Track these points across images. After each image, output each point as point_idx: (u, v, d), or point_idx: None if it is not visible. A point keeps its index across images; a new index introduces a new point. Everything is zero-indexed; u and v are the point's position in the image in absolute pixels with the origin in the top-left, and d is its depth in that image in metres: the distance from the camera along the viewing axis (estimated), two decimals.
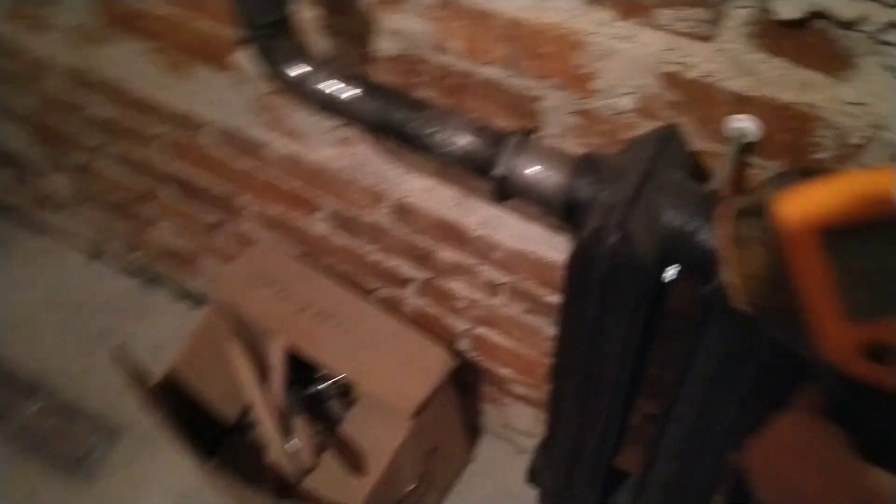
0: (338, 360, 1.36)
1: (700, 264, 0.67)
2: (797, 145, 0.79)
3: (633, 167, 0.71)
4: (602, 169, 0.72)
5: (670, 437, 0.87)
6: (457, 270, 1.34)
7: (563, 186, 0.72)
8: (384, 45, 0.99)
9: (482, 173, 0.76)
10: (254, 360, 1.52)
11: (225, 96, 1.29)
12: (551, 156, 0.74)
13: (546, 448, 1.12)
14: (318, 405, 1.61)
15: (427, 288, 1.44)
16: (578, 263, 0.71)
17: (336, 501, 1.32)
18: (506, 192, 0.75)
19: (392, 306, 1.55)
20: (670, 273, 0.70)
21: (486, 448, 1.79)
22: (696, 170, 0.78)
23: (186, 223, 1.78)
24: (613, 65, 0.84)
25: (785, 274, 0.28)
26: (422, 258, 1.36)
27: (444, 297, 1.43)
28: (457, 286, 1.38)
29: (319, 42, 1.05)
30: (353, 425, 1.42)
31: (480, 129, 0.76)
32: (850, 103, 0.74)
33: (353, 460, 1.36)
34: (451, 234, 1.25)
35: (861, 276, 0.28)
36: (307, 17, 1.02)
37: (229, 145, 1.42)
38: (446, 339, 1.54)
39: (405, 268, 1.42)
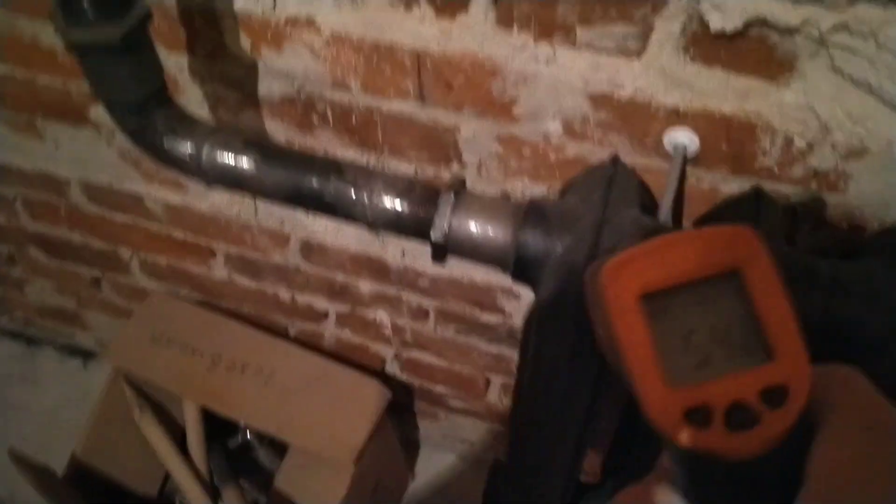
0: (262, 417, 1.25)
1: None
2: (740, 154, 0.75)
3: (585, 213, 0.64)
4: (550, 217, 0.64)
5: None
6: (379, 300, 1.25)
7: (511, 243, 0.64)
8: (275, 88, 0.88)
9: (418, 236, 0.67)
10: (168, 425, 1.40)
11: (90, 152, 1.14)
12: (494, 209, 0.66)
13: (506, 469, 1.06)
14: (246, 457, 1.50)
15: (348, 319, 1.34)
16: (542, 325, 0.64)
17: None
18: (447, 253, 0.67)
19: (310, 340, 1.45)
20: None
21: (425, 461, 1.73)
22: (645, 196, 0.72)
23: (65, 280, 1.61)
24: (536, 89, 0.77)
25: (612, 339, 0.28)
26: (339, 293, 1.26)
27: (368, 327, 1.34)
28: (380, 315, 1.29)
29: (196, 97, 0.93)
30: (289, 479, 1.32)
31: (408, 188, 0.67)
32: (794, 108, 0.70)
33: None
34: (370, 266, 1.16)
35: (679, 340, 0.28)
36: (178, 71, 0.90)
37: (101, 202, 1.27)
38: (374, 365, 1.46)
39: (321, 303, 1.32)
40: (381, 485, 1.44)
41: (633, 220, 0.64)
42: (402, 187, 0.67)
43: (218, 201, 1.15)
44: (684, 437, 0.27)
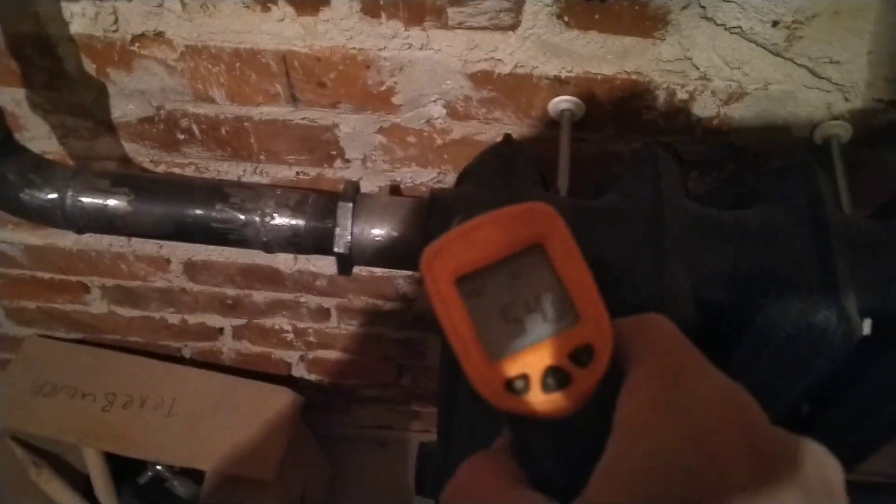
0: (171, 451, 1.19)
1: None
2: (626, 112, 0.75)
3: (487, 198, 0.62)
4: (453, 209, 0.62)
5: None
6: (277, 308, 1.20)
7: (418, 242, 0.62)
8: (130, 109, 0.81)
9: (320, 251, 0.64)
10: (70, 476, 1.30)
11: None
12: (395, 209, 0.63)
13: (440, 451, 1.04)
14: (159, 489, 1.42)
15: (245, 330, 1.28)
16: None
17: None
18: (354, 263, 0.64)
19: (208, 359, 1.38)
20: None
21: (346, 452, 1.70)
22: (541, 169, 0.71)
23: None
24: (413, 75, 0.74)
25: (438, 321, 0.30)
26: (232, 307, 1.20)
27: (267, 335, 1.29)
28: (279, 321, 1.24)
29: (41, 131, 0.85)
30: None
31: (301, 202, 0.63)
32: (672, 61, 0.70)
33: None
34: (262, 276, 1.10)
35: (496, 315, 0.30)
36: (16, 106, 0.82)
37: None
38: (280, 371, 1.41)
39: (215, 319, 1.25)
40: (309, 487, 1.40)
41: (538, 199, 0.63)
42: (295, 202, 0.63)
43: (85, 236, 1.06)
44: (507, 404, 0.29)
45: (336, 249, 0.62)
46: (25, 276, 1.17)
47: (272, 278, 1.10)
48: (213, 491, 1.26)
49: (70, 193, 0.62)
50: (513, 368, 0.29)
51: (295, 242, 0.63)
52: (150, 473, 1.42)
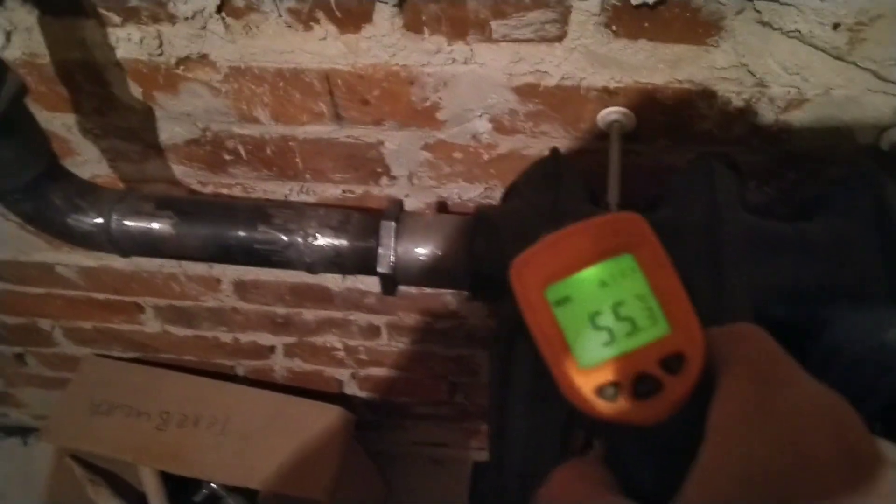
0: (224, 470, 1.19)
1: None
2: (678, 122, 0.72)
3: (534, 215, 0.60)
4: (500, 227, 0.60)
5: None
6: (327, 326, 1.19)
7: (464, 260, 0.60)
8: (177, 131, 0.81)
9: (364, 272, 0.62)
10: (126, 493, 1.32)
11: None
12: (440, 228, 0.61)
13: (491, 473, 1.02)
14: None
15: (296, 349, 1.28)
16: (506, 340, 0.60)
17: None
18: (398, 283, 0.62)
19: (261, 377, 1.39)
20: None
21: (401, 471, 1.68)
22: (590, 183, 0.69)
23: None
24: (458, 90, 0.72)
25: (529, 331, 0.31)
26: (283, 325, 1.20)
27: (318, 352, 1.28)
28: (330, 339, 1.24)
29: (92, 155, 0.86)
30: None
31: (344, 222, 0.62)
32: (727, 68, 0.67)
33: None
34: (311, 295, 1.10)
35: (585, 322, 0.30)
36: (67, 131, 0.83)
37: (7, 278, 1.17)
38: (332, 389, 1.40)
39: (266, 338, 1.26)
40: None
41: (587, 215, 0.60)
42: (338, 222, 0.62)
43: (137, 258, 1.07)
44: (597, 410, 0.29)
45: (379, 269, 0.60)
46: (81, 297, 1.19)
47: (321, 297, 1.10)
48: None
49: (115, 217, 0.62)
50: (603, 375, 0.30)
51: (338, 263, 0.62)
52: (205, 491, 1.43)
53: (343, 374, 1.36)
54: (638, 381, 0.30)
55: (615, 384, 0.30)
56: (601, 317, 0.30)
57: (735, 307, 0.55)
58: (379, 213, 0.63)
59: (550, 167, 0.63)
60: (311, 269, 0.63)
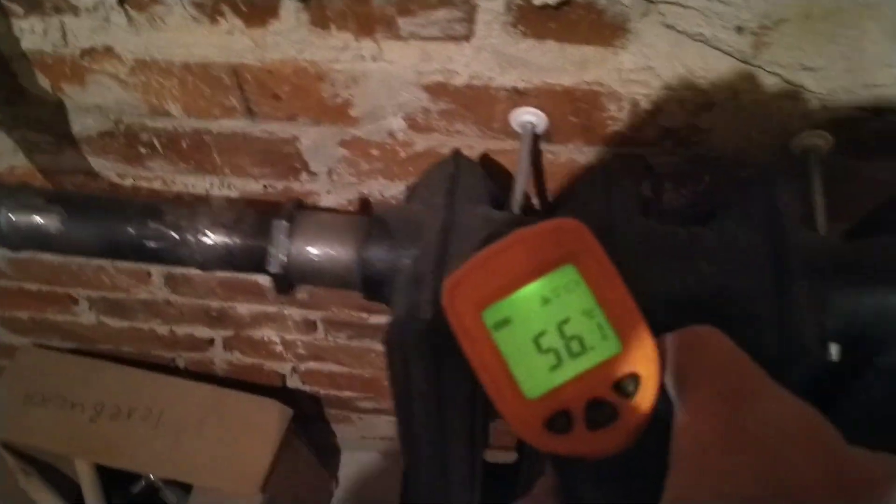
0: (156, 462, 1.18)
1: None
2: (590, 123, 0.72)
3: (429, 220, 0.59)
4: (394, 230, 0.59)
5: None
6: (262, 320, 1.18)
7: (356, 262, 0.59)
8: (89, 123, 0.79)
9: (257, 270, 0.62)
10: (60, 484, 1.30)
11: None
12: (334, 229, 0.61)
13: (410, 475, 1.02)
14: (151, 499, 1.42)
15: (234, 342, 1.27)
16: (397, 345, 0.59)
17: None
18: (291, 283, 0.62)
19: (201, 369, 1.37)
20: None
21: (348, 464, 1.68)
22: (495, 186, 0.68)
23: None
24: (368, 87, 0.71)
25: (466, 358, 0.28)
26: (218, 318, 1.19)
27: (257, 346, 1.27)
28: (267, 333, 1.23)
29: (6, 146, 0.84)
30: None
31: (237, 220, 0.61)
32: (634, 70, 0.66)
33: None
34: (242, 289, 1.09)
35: (529, 345, 0.28)
36: None
37: None
38: (274, 383, 1.39)
39: (203, 331, 1.24)
40: (301, 498, 1.38)
41: (483, 218, 0.60)
42: (231, 220, 0.61)
43: None
44: (549, 445, 0.27)
45: (270, 269, 0.60)
46: (13, 287, 1.18)
47: (252, 290, 1.09)
48: (198, 500, 1.25)
49: (4, 211, 0.61)
50: (552, 405, 0.27)
51: (230, 262, 0.61)
52: (143, 483, 1.42)
53: (284, 367, 1.35)
54: (590, 408, 0.27)
55: (566, 414, 0.27)
56: (546, 337, 0.28)
57: None
58: (275, 212, 0.62)
59: (448, 169, 0.63)
60: (204, 267, 0.62)
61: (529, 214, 0.65)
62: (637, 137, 0.72)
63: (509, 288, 0.28)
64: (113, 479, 1.32)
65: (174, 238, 0.60)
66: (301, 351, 1.27)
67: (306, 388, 1.42)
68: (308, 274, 0.61)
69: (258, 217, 0.61)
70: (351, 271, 0.60)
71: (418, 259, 0.56)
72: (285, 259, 0.60)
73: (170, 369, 1.36)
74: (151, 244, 0.60)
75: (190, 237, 0.60)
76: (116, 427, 1.21)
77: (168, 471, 1.17)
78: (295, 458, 1.31)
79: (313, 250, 0.60)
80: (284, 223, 0.60)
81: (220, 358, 1.33)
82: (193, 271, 1.06)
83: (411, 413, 0.68)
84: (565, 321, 0.28)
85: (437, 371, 0.60)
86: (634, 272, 0.56)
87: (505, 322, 0.28)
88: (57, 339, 1.34)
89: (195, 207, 0.62)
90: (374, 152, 0.79)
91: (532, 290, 0.28)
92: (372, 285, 0.60)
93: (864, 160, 0.71)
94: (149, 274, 1.08)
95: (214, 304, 1.14)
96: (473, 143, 0.75)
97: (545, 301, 0.28)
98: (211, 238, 0.60)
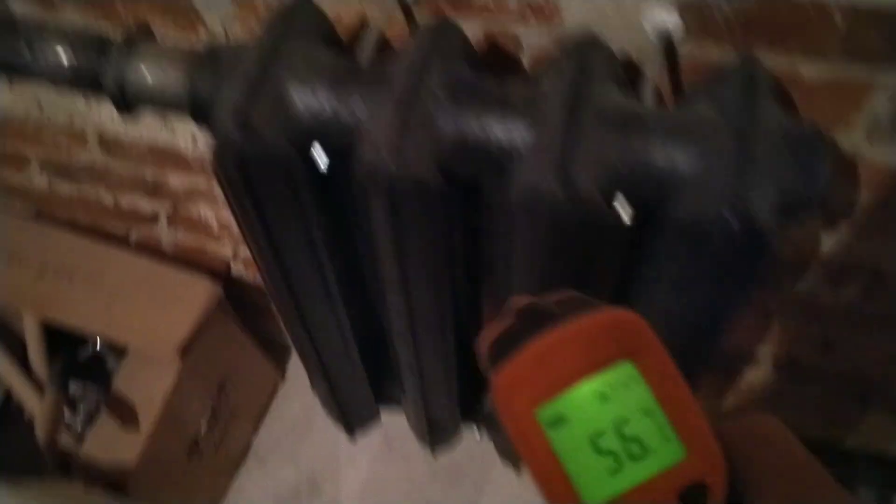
0: (89, 319, 1.25)
1: (349, 141, 0.61)
2: None
3: (255, 54, 0.63)
4: (225, 59, 0.63)
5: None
6: (195, 196, 1.23)
7: (184, 85, 0.63)
8: None
9: (98, 89, 0.66)
10: (7, 339, 1.38)
11: None
12: (171, 56, 0.65)
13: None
14: (97, 367, 1.49)
15: (175, 219, 1.33)
16: (218, 168, 0.63)
17: (113, 462, 1.23)
18: (127, 102, 0.66)
19: (150, 246, 1.44)
20: (322, 159, 0.63)
21: (297, 362, 1.73)
22: (325, 25, 0.71)
23: None
24: None
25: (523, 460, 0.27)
26: (154, 190, 1.25)
27: (196, 226, 1.33)
28: (204, 211, 1.28)
29: None
30: (125, 380, 1.32)
31: (82, 40, 0.65)
32: None
33: (127, 416, 1.27)
34: (169, 158, 1.14)
35: (586, 446, 0.26)
36: None
37: None
38: (219, 268, 1.44)
39: (143, 203, 1.30)
40: (233, 383, 1.45)
41: (308, 51, 0.63)
42: (77, 40, 0.66)
43: (4, 99, 1.11)
44: None
45: (104, 85, 0.64)
46: None
47: (178, 161, 1.13)
48: (128, 366, 1.33)
49: None
50: None
51: (74, 78, 0.66)
52: (90, 350, 1.49)
53: (226, 251, 1.40)
54: None
55: None
56: (604, 438, 0.26)
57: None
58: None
59: (289, 7, 0.66)
60: (55, 82, 0.66)
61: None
62: (502, 11, 0.74)
63: (564, 383, 0.26)
64: (60, 347, 1.40)
65: (27, 53, 0.65)
66: (237, 233, 1.31)
67: (250, 277, 1.47)
68: (141, 94, 0.65)
69: (99, 39, 0.66)
70: (179, 95, 0.64)
71: (235, 88, 0.60)
72: (116, 79, 0.64)
73: (121, 243, 1.42)
74: (6, 57, 0.65)
75: (39, 52, 0.65)
76: (59, 285, 1.29)
77: (98, 327, 1.26)
78: (225, 338, 1.38)
79: (144, 73, 0.64)
80: (123, 45, 0.64)
81: (166, 236, 1.39)
82: (123, 133, 1.11)
83: (257, 242, 0.73)
84: (624, 421, 0.26)
85: (257, 197, 0.65)
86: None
87: (560, 420, 0.26)
88: (19, 201, 1.41)
89: (48, 25, 0.66)
90: (262, 9, 0.82)
91: (589, 386, 0.26)
92: (198, 110, 0.64)
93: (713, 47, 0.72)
94: (84, 134, 1.14)
95: (149, 173, 1.20)
96: None
97: (603, 398, 0.26)
98: (58, 54, 0.65)
